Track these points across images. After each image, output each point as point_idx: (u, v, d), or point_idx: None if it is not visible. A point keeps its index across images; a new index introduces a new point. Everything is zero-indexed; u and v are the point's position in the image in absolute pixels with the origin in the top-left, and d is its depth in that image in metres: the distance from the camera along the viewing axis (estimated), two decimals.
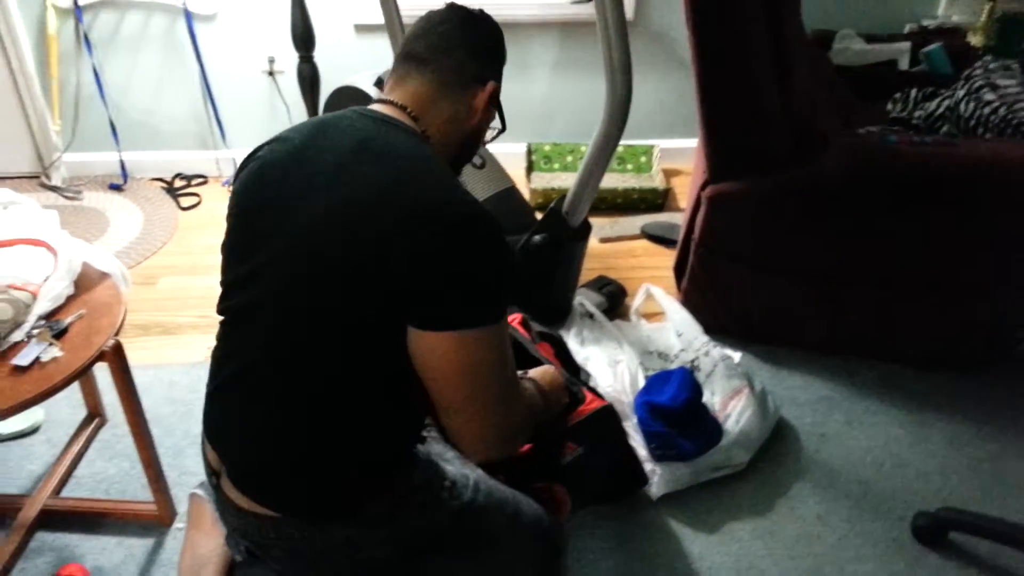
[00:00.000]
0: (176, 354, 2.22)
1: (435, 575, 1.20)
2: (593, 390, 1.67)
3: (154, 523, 1.69)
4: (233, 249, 1.15)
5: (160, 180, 3.13)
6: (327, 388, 1.04)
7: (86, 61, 2.87)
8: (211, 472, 1.18)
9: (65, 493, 1.74)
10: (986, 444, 1.90)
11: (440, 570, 1.20)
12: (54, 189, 3.02)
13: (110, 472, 1.81)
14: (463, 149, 1.24)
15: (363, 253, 0.99)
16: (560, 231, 2.04)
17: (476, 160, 2.21)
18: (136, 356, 2.17)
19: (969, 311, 1.99)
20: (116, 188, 3.05)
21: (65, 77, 2.91)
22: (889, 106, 2.39)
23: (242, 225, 1.14)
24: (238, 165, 1.24)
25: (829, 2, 2.95)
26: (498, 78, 1.25)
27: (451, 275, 0.98)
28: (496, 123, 1.32)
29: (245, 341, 1.11)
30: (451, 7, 1.25)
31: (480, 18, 1.25)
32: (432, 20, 1.22)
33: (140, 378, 2.08)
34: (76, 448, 1.81)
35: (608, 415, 1.61)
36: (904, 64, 2.69)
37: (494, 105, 1.24)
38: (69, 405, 1.96)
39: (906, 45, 2.69)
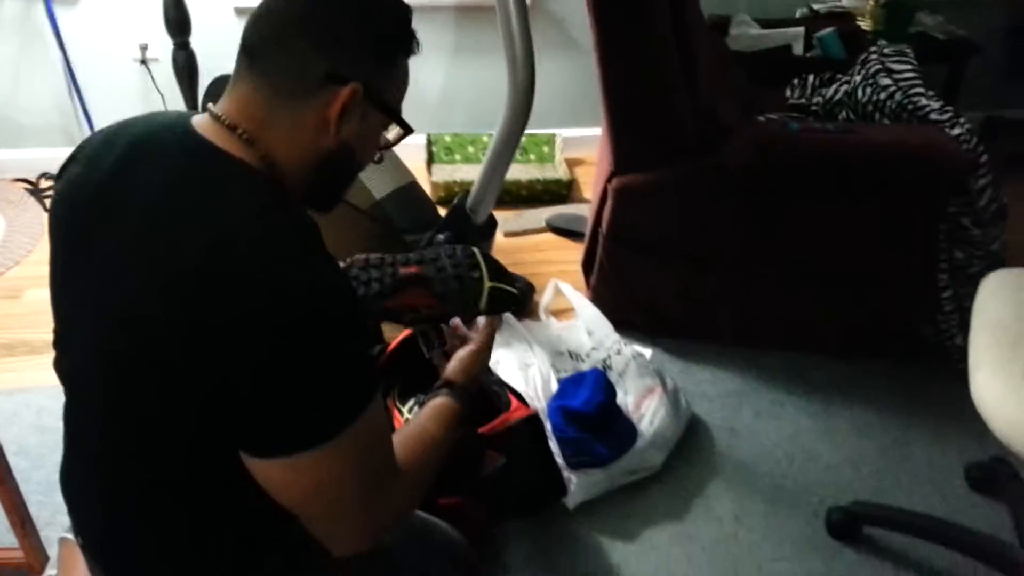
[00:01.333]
0: (45, 375, 1.96)
1: None
2: (519, 396, 1.59)
3: (22, 571, 1.51)
4: (54, 297, 0.97)
5: (24, 180, 2.85)
6: (155, 486, 0.88)
7: None
8: (77, 532, 1.04)
9: None
10: (892, 431, 1.92)
11: None
12: None
13: None
14: (324, 176, 0.90)
15: (168, 361, 0.77)
16: (465, 228, 1.94)
17: None
18: (0, 380, 1.98)
19: (874, 299, 2.00)
20: None
21: None
22: (788, 92, 2.39)
23: (56, 272, 0.96)
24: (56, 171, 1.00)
25: None
26: (373, 74, 0.88)
27: (285, 389, 0.75)
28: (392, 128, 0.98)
29: (77, 412, 0.96)
30: None
31: None
32: None
33: (5, 405, 1.89)
34: None
35: (534, 423, 1.54)
36: (798, 49, 2.71)
37: (376, 106, 0.90)
38: None
39: (800, 30, 2.71)
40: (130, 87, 2.78)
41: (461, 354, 1.16)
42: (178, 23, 2.43)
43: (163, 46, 2.62)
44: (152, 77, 2.75)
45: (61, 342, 0.97)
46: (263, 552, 0.94)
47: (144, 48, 2.69)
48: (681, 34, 1.87)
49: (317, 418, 0.78)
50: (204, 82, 2.57)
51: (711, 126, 1.92)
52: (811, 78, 2.34)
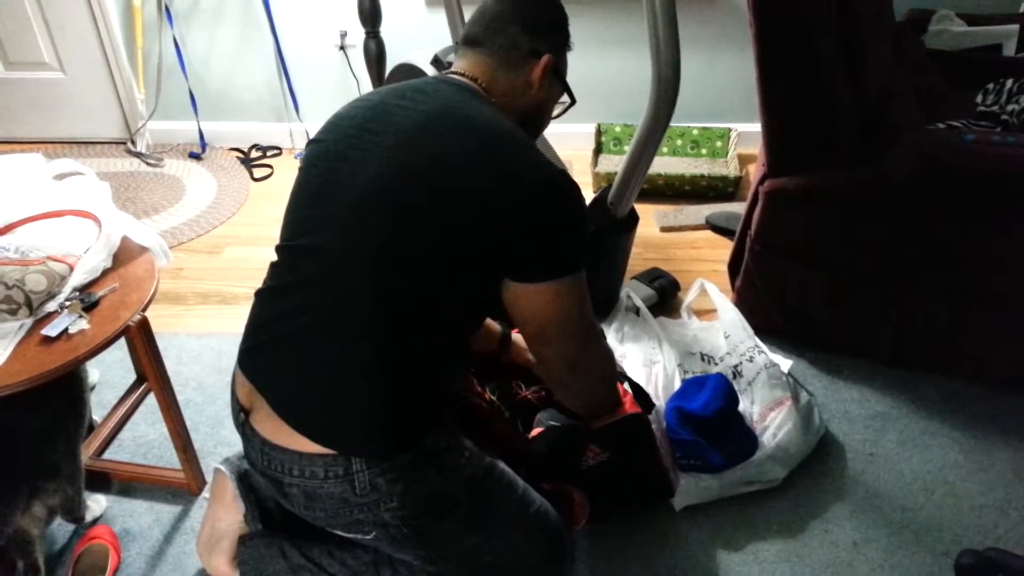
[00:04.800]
0: (229, 324, 2.28)
1: (443, 540, 1.21)
2: (638, 390, 1.60)
3: (183, 490, 1.74)
4: (303, 191, 1.22)
5: (237, 150, 3.21)
6: (387, 326, 1.10)
7: (168, 32, 2.96)
8: (239, 409, 1.23)
9: (107, 455, 1.82)
10: None
11: (449, 536, 1.21)
12: (138, 155, 3.14)
13: (150, 437, 1.88)
14: (528, 120, 1.30)
15: (456, 206, 1.09)
16: (605, 222, 1.96)
17: None
18: (192, 324, 2.28)
19: None
20: (195, 157, 3.16)
21: (149, 48, 3.01)
22: (979, 98, 2.17)
23: (315, 170, 1.21)
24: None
25: None
26: (557, 51, 1.31)
27: (545, 231, 1.11)
28: (565, 97, 1.38)
29: (305, 279, 1.15)
30: None
31: None
32: (487, 4, 1.31)
33: (192, 346, 2.18)
34: (121, 412, 1.88)
35: (639, 423, 1.55)
36: (1010, 49, 2.44)
37: (557, 78, 1.32)
38: (123, 368, 2.04)
39: (1014, 28, 2.44)
40: (330, 70, 3.04)
41: None
42: (370, 14, 2.63)
43: (361, 33, 2.85)
44: (349, 62, 3.00)
45: (301, 226, 1.20)
46: (407, 444, 1.13)
47: (344, 35, 2.94)
48: (851, 28, 1.77)
49: (566, 256, 1.15)
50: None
51: (878, 131, 1.80)
52: (1009, 83, 2.11)
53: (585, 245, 1.19)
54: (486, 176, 1.10)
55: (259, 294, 1.24)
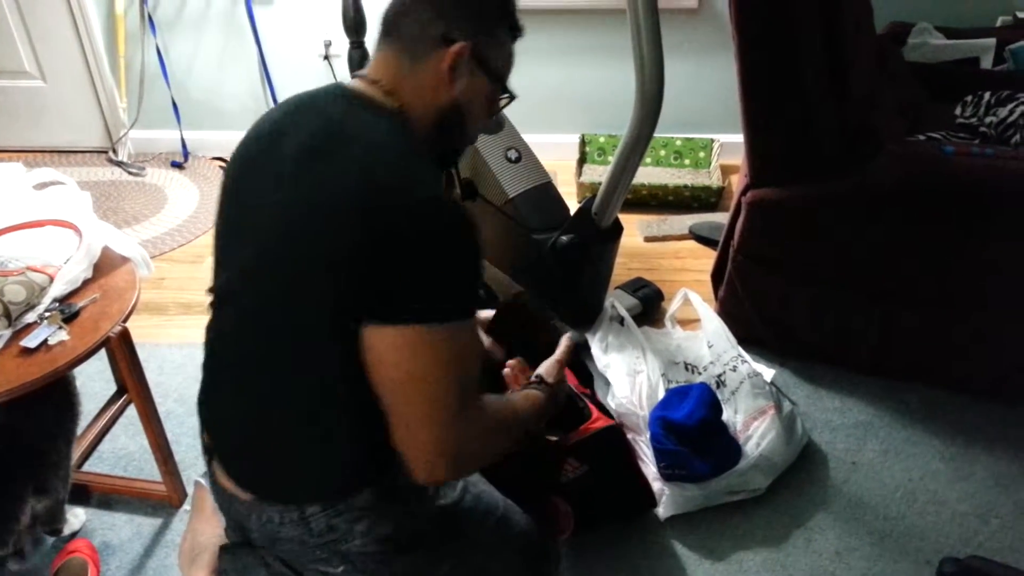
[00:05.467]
0: None
1: (414, 571, 1.17)
2: (601, 406, 1.61)
3: (164, 503, 1.73)
4: (217, 228, 1.16)
5: (220, 159, 3.20)
6: (304, 384, 1.02)
7: (151, 41, 2.94)
8: (205, 450, 1.20)
9: (87, 467, 1.80)
10: None
11: (419, 567, 1.16)
12: (120, 164, 3.12)
13: (131, 449, 1.87)
14: (443, 123, 1.07)
15: (323, 251, 0.96)
16: (589, 232, 1.97)
17: (511, 154, 2.15)
18: (174, 335, 2.26)
19: None
20: (177, 166, 3.14)
21: (131, 56, 2.99)
22: (958, 110, 2.20)
23: (222, 204, 1.15)
24: None
25: None
26: (482, 35, 1.07)
27: (413, 265, 0.92)
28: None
29: (225, 332, 1.11)
30: None
31: None
32: None
33: (174, 356, 2.16)
34: (101, 424, 1.86)
35: (613, 435, 1.55)
36: (987, 62, 2.48)
37: (481, 68, 1.08)
38: (103, 379, 2.02)
39: (991, 41, 2.48)
40: (314, 80, 3.03)
41: (548, 362, 1.29)
42: (354, 23, 2.63)
43: (346, 43, 2.84)
44: (334, 72, 2.99)
45: (217, 267, 1.13)
46: (365, 482, 1.06)
47: (328, 45, 2.94)
48: (835, 39, 1.79)
49: (434, 300, 0.93)
50: None
51: (860, 143, 1.82)
52: (987, 96, 2.14)
53: (469, 293, 0.98)
54: (352, 218, 0.93)
55: (206, 331, 1.17)
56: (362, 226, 0.93)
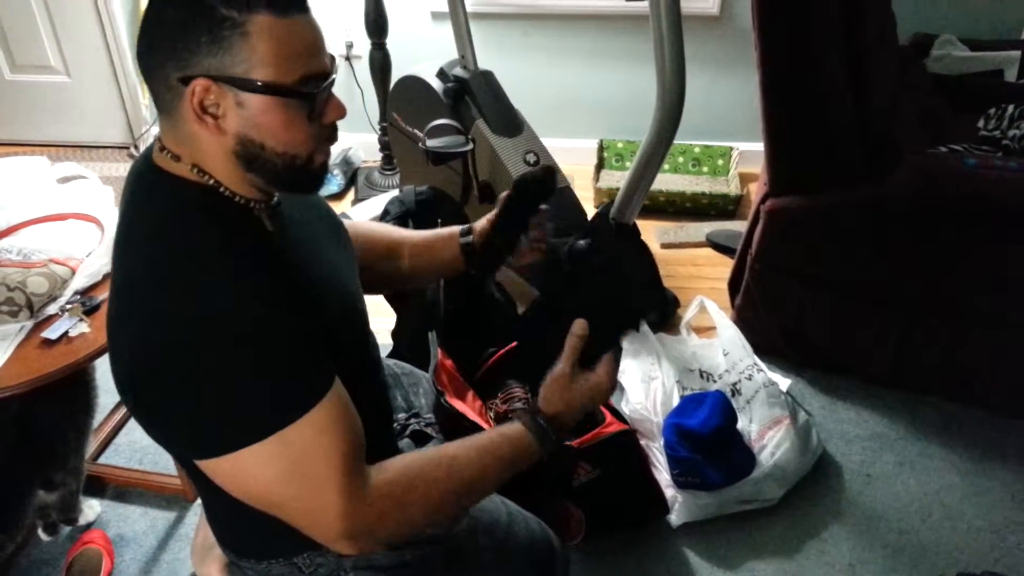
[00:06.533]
0: None
1: None
2: (614, 411, 1.61)
3: (178, 497, 1.74)
4: None
5: None
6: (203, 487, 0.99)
7: None
8: None
9: (102, 459, 1.81)
10: None
11: None
12: None
13: (146, 443, 1.88)
14: (257, 169, 0.88)
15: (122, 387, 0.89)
16: (606, 237, 1.97)
17: (530, 157, 2.15)
18: None
19: None
20: None
21: None
22: (981, 122, 2.18)
23: None
24: None
25: (935, 3, 2.73)
26: (212, 62, 0.82)
27: (185, 401, 0.83)
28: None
29: None
30: None
31: None
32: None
33: None
34: (117, 417, 1.87)
35: (626, 440, 1.55)
36: (1011, 75, 2.46)
37: (240, 88, 0.83)
38: None
39: (1015, 53, 2.46)
40: (336, 81, 3.04)
41: (551, 378, 1.03)
42: (377, 25, 2.64)
43: (367, 44, 2.86)
44: (354, 73, 3.01)
45: None
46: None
47: (350, 46, 2.95)
48: (856, 50, 1.78)
49: (224, 424, 0.84)
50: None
51: (881, 153, 1.81)
52: (1010, 108, 2.12)
53: (269, 394, 0.84)
54: (118, 355, 0.87)
55: None
56: (132, 370, 0.87)
